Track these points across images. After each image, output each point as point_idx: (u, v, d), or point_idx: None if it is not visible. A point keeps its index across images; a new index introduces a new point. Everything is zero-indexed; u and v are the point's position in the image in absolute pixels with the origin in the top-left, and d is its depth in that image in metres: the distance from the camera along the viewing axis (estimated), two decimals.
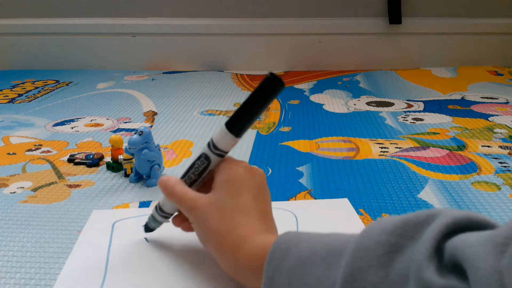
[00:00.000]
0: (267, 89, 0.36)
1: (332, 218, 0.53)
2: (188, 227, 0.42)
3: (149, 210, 0.55)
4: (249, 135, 0.81)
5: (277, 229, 0.40)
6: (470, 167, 0.66)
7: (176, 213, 0.44)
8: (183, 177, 0.42)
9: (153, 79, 1.30)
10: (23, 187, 0.62)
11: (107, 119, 0.92)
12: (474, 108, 0.97)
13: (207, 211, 0.38)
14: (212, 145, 0.39)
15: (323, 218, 0.53)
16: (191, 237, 0.47)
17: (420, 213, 0.27)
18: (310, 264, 0.30)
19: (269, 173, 0.66)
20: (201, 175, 0.41)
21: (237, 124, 0.38)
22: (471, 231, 0.24)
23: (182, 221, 0.43)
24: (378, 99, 1.06)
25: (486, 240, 0.22)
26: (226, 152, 0.40)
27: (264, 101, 0.37)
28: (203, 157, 0.40)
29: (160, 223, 0.46)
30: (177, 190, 0.40)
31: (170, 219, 0.45)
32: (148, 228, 0.47)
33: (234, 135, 0.38)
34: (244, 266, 0.35)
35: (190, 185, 0.41)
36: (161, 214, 0.44)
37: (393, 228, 0.26)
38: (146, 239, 0.48)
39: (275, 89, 0.36)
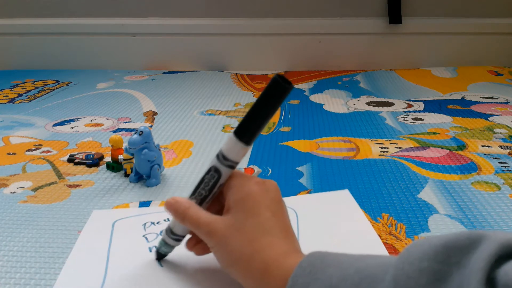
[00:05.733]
0: (275, 91, 0.34)
1: (333, 212, 0.53)
2: (202, 250, 0.40)
3: (150, 209, 0.55)
4: None
5: (298, 243, 0.37)
6: (470, 167, 0.66)
7: (188, 235, 0.41)
8: (192, 194, 0.39)
9: (153, 79, 1.30)
10: (23, 187, 0.62)
11: (107, 119, 0.92)
12: (474, 108, 0.97)
13: (227, 235, 0.35)
14: (221, 156, 0.37)
15: (324, 212, 0.53)
16: None
17: (461, 236, 0.25)
18: None
19: (269, 173, 0.66)
20: (212, 190, 0.38)
21: (246, 131, 0.35)
22: None
23: (197, 244, 0.40)
24: (378, 99, 1.06)
25: None
26: (237, 163, 0.37)
27: (273, 104, 0.34)
28: (213, 171, 0.37)
29: (172, 247, 0.42)
30: (191, 214, 0.37)
31: (183, 242, 0.42)
32: (159, 254, 0.43)
33: (245, 143, 0.36)
34: None
35: (201, 202, 0.39)
36: (173, 237, 0.41)
37: (435, 254, 0.25)
38: (146, 238, 0.48)
39: (283, 91, 0.34)
